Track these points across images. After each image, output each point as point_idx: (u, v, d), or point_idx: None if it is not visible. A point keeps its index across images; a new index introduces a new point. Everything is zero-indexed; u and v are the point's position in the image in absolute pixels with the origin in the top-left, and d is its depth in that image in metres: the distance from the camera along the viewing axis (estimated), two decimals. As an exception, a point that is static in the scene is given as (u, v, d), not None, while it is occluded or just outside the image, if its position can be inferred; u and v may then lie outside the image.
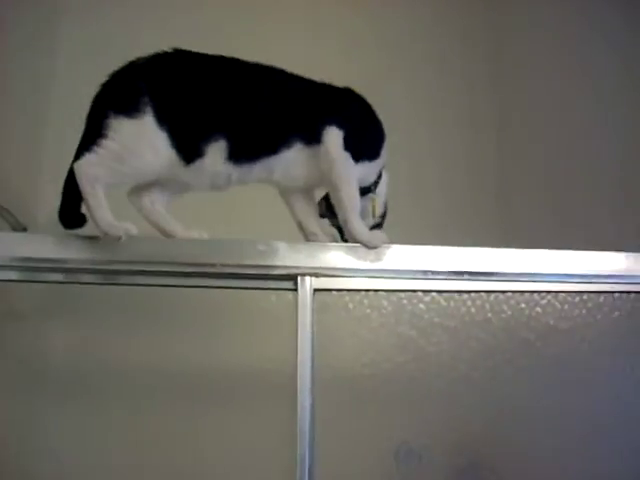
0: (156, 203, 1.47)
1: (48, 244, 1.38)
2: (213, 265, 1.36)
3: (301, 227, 1.53)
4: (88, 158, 1.36)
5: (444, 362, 1.48)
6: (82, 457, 1.74)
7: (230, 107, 1.42)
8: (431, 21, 2.65)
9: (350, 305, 1.45)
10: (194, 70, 1.44)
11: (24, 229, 1.87)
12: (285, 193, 1.55)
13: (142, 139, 1.37)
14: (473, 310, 1.47)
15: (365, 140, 1.51)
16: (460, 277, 1.44)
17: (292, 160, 1.46)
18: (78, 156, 1.37)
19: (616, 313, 1.52)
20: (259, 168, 1.45)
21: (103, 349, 1.75)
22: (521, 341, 1.51)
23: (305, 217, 1.53)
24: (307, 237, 1.52)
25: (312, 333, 1.36)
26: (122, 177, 1.39)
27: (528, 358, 1.51)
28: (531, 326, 1.50)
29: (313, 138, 1.45)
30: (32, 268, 1.42)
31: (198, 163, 1.40)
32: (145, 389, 1.76)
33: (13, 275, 1.46)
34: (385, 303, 1.45)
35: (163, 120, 1.37)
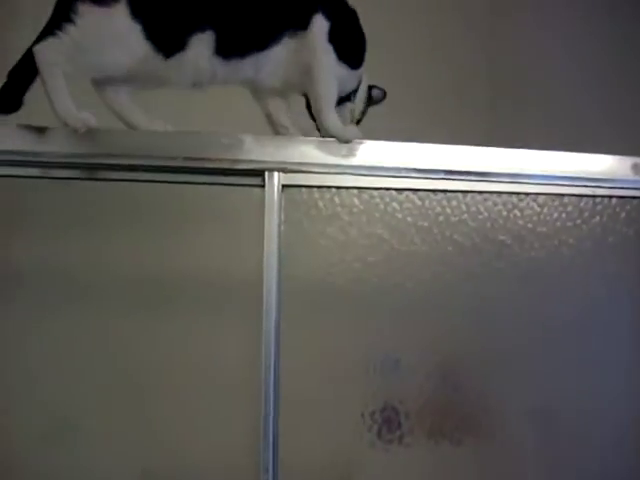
0: (120, 92, 1.38)
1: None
2: (174, 158, 1.29)
3: (271, 120, 1.45)
4: (50, 42, 1.26)
5: (416, 263, 1.44)
6: (50, 361, 1.70)
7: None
8: None
9: (320, 203, 1.39)
10: None
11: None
12: (259, 92, 1.46)
13: (111, 31, 1.28)
14: (448, 210, 1.43)
15: (349, 43, 1.41)
16: (436, 175, 1.38)
17: (280, 56, 1.37)
18: (40, 39, 1.28)
19: (597, 218, 1.47)
20: (247, 65, 1.36)
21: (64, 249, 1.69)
22: (497, 244, 1.47)
23: (275, 110, 1.45)
24: (277, 131, 1.44)
25: (279, 232, 1.31)
26: (84, 69, 1.30)
27: (504, 261, 1.48)
28: (508, 228, 1.45)
29: (301, 26, 1.36)
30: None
31: (179, 56, 1.30)
32: (109, 289, 1.70)
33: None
34: (357, 201, 1.40)
35: (139, 9, 1.26)
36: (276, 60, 1.37)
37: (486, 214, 1.44)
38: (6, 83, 1.31)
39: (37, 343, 1.64)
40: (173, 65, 1.31)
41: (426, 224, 1.42)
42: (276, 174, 1.32)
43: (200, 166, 1.30)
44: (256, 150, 1.30)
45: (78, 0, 1.26)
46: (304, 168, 1.33)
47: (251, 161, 1.30)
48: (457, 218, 1.43)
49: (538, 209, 1.46)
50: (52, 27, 1.27)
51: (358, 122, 1.50)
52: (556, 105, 2.31)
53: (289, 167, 1.32)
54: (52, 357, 1.64)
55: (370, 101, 1.51)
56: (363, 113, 1.51)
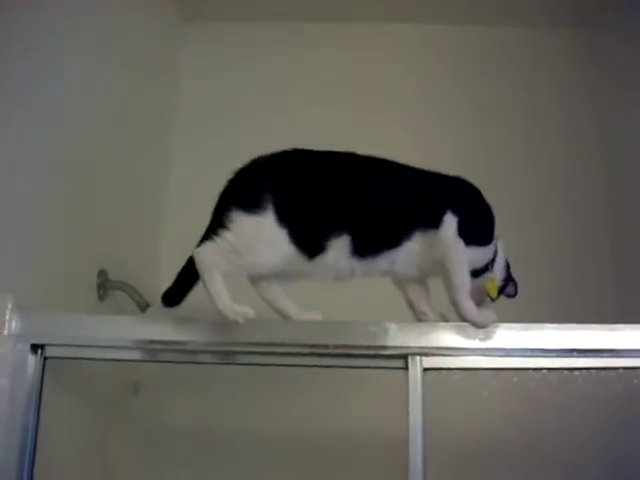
0: (273, 284, 1.55)
1: (168, 326, 1.48)
2: (327, 346, 1.42)
3: (412, 307, 1.58)
4: (207, 246, 1.46)
5: (556, 439, 1.48)
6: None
7: (351, 203, 1.49)
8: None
9: (460, 383, 1.47)
10: (314, 168, 1.51)
11: (148, 305, 1.99)
12: (399, 280, 1.60)
13: (260, 236, 1.45)
14: (584, 387, 1.47)
15: (477, 226, 1.55)
16: (569, 354, 1.44)
17: (412, 250, 1.51)
18: (200, 243, 1.48)
19: None
20: (382, 261, 1.51)
21: (222, 420, 1.83)
22: (636, 417, 1.49)
23: (416, 297, 1.58)
24: (417, 317, 1.56)
25: (423, 411, 1.39)
26: (238, 268, 1.47)
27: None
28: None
29: (431, 225, 1.50)
30: (153, 349, 1.54)
31: (321, 258, 1.47)
32: (260, 456, 1.83)
33: (135, 355, 1.59)
34: (495, 381, 1.47)
35: (284, 217, 1.44)
36: (408, 254, 1.51)
37: (622, 389, 1.48)
38: (174, 283, 1.51)
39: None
40: (316, 265, 1.48)
41: (564, 400, 1.47)
42: (418, 358, 1.42)
43: (350, 353, 1.43)
44: (400, 336, 1.42)
45: (232, 210, 1.46)
46: (444, 352, 1.43)
47: (395, 347, 1.42)
48: (593, 394, 1.47)
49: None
50: (210, 233, 1.48)
51: (501, 292, 1.60)
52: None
53: (430, 351, 1.42)
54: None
55: (509, 277, 1.63)
56: (504, 285, 1.62)
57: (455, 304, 1.48)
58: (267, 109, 2.62)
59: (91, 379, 1.77)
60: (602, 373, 1.48)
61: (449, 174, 1.58)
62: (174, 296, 1.53)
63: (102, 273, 1.99)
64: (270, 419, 1.80)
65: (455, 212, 1.51)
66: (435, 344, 1.43)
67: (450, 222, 1.50)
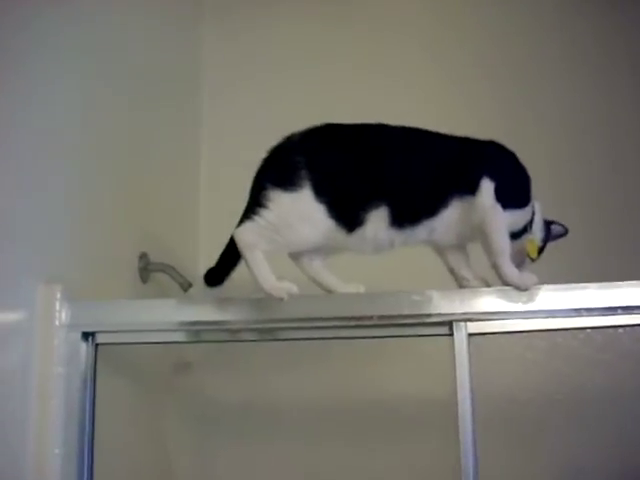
0: (314, 260, 1.57)
1: (210, 307, 1.53)
2: (371, 318, 1.44)
3: (453, 273, 1.59)
4: (247, 226, 1.48)
5: (602, 398, 1.49)
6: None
7: (387, 174, 1.50)
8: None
9: (505, 346, 1.49)
10: (347, 142, 1.53)
11: (190, 285, 2.02)
12: (438, 248, 1.61)
13: (299, 212, 1.47)
14: (629, 344, 1.48)
15: (513, 190, 1.55)
16: (614, 312, 1.45)
17: (450, 218, 1.52)
18: (240, 223, 1.50)
19: None
20: (420, 230, 1.52)
21: (271, 394, 1.87)
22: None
23: (457, 264, 1.59)
24: (459, 283, 1.57)
25: (470, 376, 1.41)
26: (279, 246, 1.50)
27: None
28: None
29: (468, 191, 1.51)
30: (197, 330, 1.59)
31: (360, 231, 1.49)
32: (310, 429, 1.87)
33: (181, 336, 1.62)
34: (540, 343, 1.49)
35: (321, 193, 1.46)
36: (447, 222, 1.53)
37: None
38: (217, 263, 1.55)
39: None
40: (355, 238, 1.50)
41: (609, 358, 1.48)
42: (462, 324, 1.43)
43: (395, 322, 1.45)
44: (443, 304, 1.44)
45: (268, 189, 1.48)
46: (488, 317, 1.45)
47: (439, 314, 1.43)
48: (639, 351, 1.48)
49: None
50: (249, 213, 1.50)
51: (540, 251, 1.61)
52: None
53: (474, 317, 1.44)
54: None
55: (549, 236, 1.63)
56: (543, 245, 1.62)
57: (496, 268, 1.48)
58: (289, 84, 2.60)
59: (141, 362, 1.81)
60: (647, 329, 1.48)
61: (482, 139, 1.58)
62: (217, 276, 1.57)
63: (144, 256, 2.01)
64: (318, 392, 1.84)
65: (491, 177, 1.51)
66: (478, 309, 1.44)
67: (487, 187, 1.50)
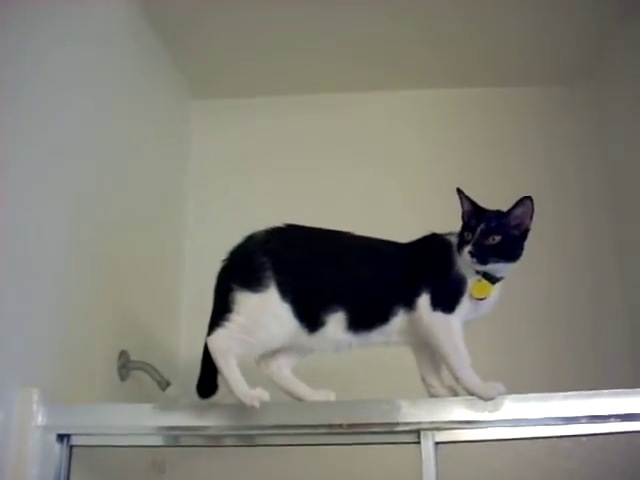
0: (283, 367, 1.61)
1: (187, 413, 1.56)
2: (340, 426, 1.47)
3: (423, 381, 1.63)
4: (218, 332, 1.53)
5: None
6: None
7: (343, 281, 1.56)
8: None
9: (472, 455, 1.51)
10: (309, 244, 1.60)
11: (168, 384, 2.04)
12: (414, 349, 1.65)
13: (267, 312, 1.53)
14: (594, 453, 1.50)
15: (450, 285, 1.56)
16: (578, 422, 1.48)
17: (401, 325, 1.57)
18: (210, 331, 1.54)
19: None
20: (375, 334, 1.57)
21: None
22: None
23: (426, 371, 1.63)
24: (428, 390, 1.61)
25: (437, 482, 1.43)
26: (251, 347, 1.54)
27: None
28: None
29: (410, 306, 1.56)
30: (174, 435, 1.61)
31: (321, 332, 1.54)
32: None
33: (157, 440, 1.65)
34: (506, 452, 1.51)
35: (286, 293, 1.52)
36: (399, 328, 1.57)
37: (631, 454, 1.51)
38: (201, 374, 1.58)
39: None
40: (317, 338, 1.55)
41: (574, 467, 1.50)
42: (430, 433, 1.46)
43: (364, 430, 1.48)
44: (411, 413, 1.47)
45: (236, 290, 1.53)
46: (455, 426, 1.48)
47: (407, 423, 1.47)
48: (601, 459, 1.50)
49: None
50: (217, 319, 1.54)
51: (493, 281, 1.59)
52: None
53: (441, 426, 1.47)
54: None
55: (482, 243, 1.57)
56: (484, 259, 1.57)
57: (457, 380, 1.52)
58: (272, 177, 2.70)
59: (116, 463, 1.81)
60: (612, 438, 1.51)
61: (419, 238, 1.63)
62: (207, 386, 1.58)
63: (123, 354, 2.05)
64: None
65: (426, 288, 1.55)
66: (445, 418, 1.48)
67: (423, 302, 1.55)
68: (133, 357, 2.07)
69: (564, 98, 2.74)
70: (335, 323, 1.54)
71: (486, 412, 1.47)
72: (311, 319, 1.54)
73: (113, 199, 2.08)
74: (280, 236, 1.60)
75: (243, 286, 1.53)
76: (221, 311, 1.54)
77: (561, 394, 1.48)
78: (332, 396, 1.56)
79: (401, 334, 1.58)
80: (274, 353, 1.61)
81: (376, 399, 1.49)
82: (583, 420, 1.48)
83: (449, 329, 1.54)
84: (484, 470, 1.51)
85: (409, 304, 1.56)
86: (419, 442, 1.46)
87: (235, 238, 2.19)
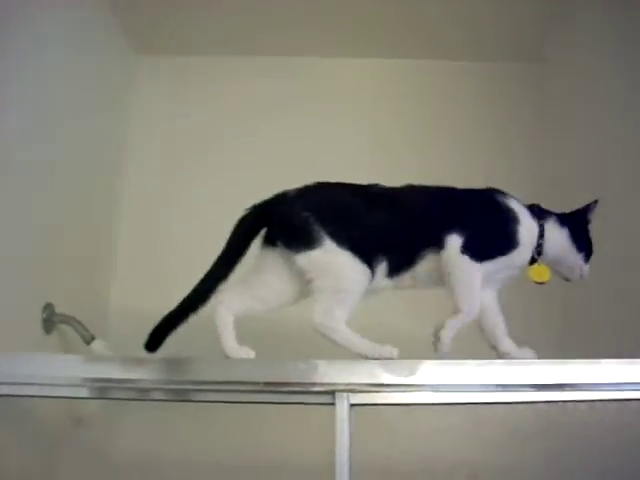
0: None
1: (117, 366, 1.53)
2: (257, 384, 1.47)
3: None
4: (316, 310, 1.53)
5: (481, 471, 1.54)
6: None
7: (385, 229, 1.57)
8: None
9: (387, 418, 1.52)
10: (345, 197, 1.60)
11: (93, 338, 2.03)
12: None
13: (338, 262, 1.53)
14: (505, 420, 1.53)
15: (491, 238, 1.61)
16: (492, 389, 1.50)
17: (429, 268, 1.59)
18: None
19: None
20: (406, 278, 1.60)
21: (162, 452, 1.87)
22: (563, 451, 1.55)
23: (491, 331, 1.66)
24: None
25: (349, 446, 1.43)
26: (347, 303, 1.54)
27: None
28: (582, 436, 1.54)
29: (439, 247, 1.58)
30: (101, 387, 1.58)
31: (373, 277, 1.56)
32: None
33: (84, 392, 1.61)
34: (421, 416, 1.53)
35: (341, 242, 1.52)
36: (428, 270, 1.60)
37: (544, 423, 1.54)
38: (156, 328, 1.58)
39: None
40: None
41: (486, 434, 1.53)
42: (345, 394, 1.47)
43: (280, 390, 1.48)
44: (327, 373, 1.47)
45: (295, 256, 1.53)
46: (370, 388, 1.48)
47: (322, 384, 1.47)
48: (514, 427, 1.53)
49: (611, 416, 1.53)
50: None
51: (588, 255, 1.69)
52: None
53: (357, 388, 1.47)
54: None
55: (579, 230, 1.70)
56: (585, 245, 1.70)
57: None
58: (218, 141, 2.67)
59: (38, 414, 1.80)
60: (523, 407, 1.53)
61: (461, 189, 1.66)
62: (157, 341, 1.59)
63: (48, 306, 2.02)
64: (206, 452, 1.85)
65: (460, 232, 1.58)
66: (361, 380, 1.48)
67: (453, 243, 1.57)
68: (59, 310, 2.05)
69: (512, 76, 2.77)
70: (380, 271, 1.57)
71: (402, 376, 1.48)
72: (368, 265, 1.54)
73: (49, 150, 2.04)
74: (315, 191, 1.59)
75: (299, 247, 1.53)
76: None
77: (475, 361, 1.50)
78: (252, 354, 1.56)
79: (427, 277, 1.61)
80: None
81: (293, 358, 1.48)
82: (497, 388, 1.51)
83: (471, 276, 1.57)
84: (398, 434, 1.52)
85: (439, 245, 1.58)
86: (334, 403, 1.47)
87: (174, 193, 2.21)
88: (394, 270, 1.58)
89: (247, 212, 1.60)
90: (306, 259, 1.52)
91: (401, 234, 1.59)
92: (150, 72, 2.80)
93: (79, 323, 2.03)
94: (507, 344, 1.65)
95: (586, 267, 1.69)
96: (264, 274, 1.61)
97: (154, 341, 1.58)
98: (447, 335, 1.54)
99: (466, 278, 1.57)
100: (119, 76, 2.72)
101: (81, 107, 2.32)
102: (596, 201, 1.70)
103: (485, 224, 1.62)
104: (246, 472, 1.86)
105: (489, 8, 2.54)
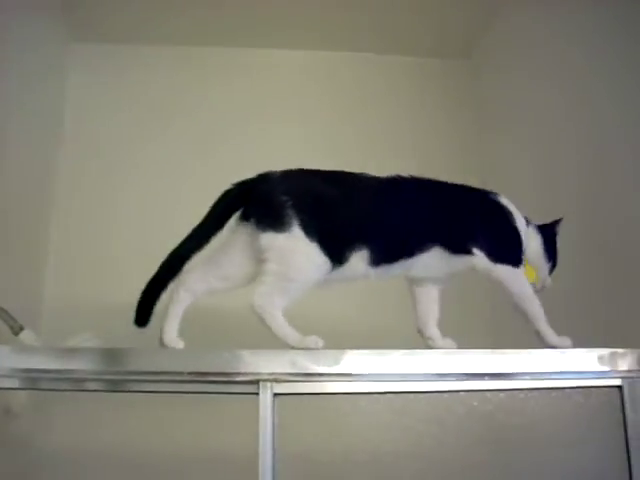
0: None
1: (49, 356, 1.51)
2: (181, 374, 1.47)
3: (420, 333, 1.71)
4: (259, 291, 1.53)
5: (401, 459, 1.56)
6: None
7: (367, 218, 1.58)
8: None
9: (310, 407, 1.54)
10: (328, 185, 1.59)
11: (21, 328, 1.99)
12: (420, 291, 1.71)
13: (298, 251, 1.53)
14: (427, 409, 1.56)
15: (512, 243, 1.66)
16: (414, 379, 1.53)
17: (430, 260, 1.61)
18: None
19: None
20: (397, 267, 1.61)
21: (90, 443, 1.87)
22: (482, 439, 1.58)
23: (425, 320, 1.72)
24: (426, 342, 1.70)
25: (272, 436, 1.46)
26: (291, 294, 1.55)
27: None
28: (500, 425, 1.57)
29: (458, 250, 1.61)
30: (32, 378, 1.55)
31: (344, 266, 1.56)
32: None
33: (15, 383, 1.59)
34: (344, 405, 1.54)
35: (310, 231, 1.52)
36: (427, 262, 1.62)
37: (463, 411, 1.57)
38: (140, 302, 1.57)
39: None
40: (337, 273, 1.57)
41: (408, 423, 1.55)
42: (269, 384, 1.48)
43: (204, 380, 1.48)
44: (251, 363, 1.48)
45: (260, 234, 1.53)
46: (294, 378, 1.50)
47: (246, 373, 1.48)
48: (436, 416, 1.56)
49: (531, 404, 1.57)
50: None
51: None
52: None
53: (280, 378, 1.49)
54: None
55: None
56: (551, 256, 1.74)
57: (537, 333, 1.60)
58: (153, 131, 2.66)
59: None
60: (447, 395, 1.57)
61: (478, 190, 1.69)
62: (145, 315, 1.58)
63: (-25, 296, 1.99)
64: (134, 442, 1.85)
65: (481, 247, 1.62)
66: (285, 370, 1.49)
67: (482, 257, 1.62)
68: (-11, 300, 2.02)
69: (444, 72, 2.81)
70: (358, 259, 1.57)
71: (326, 366, 1.50)
72: (336, 255, 1.55)
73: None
74: (297, 177, 1.59)
75: (267, 226, 1.52)
76: None
77: (400, 351, 1.53)
78: (181, 344, 1.56)
79: (424, 267, 1.62)
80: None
81: (218, 348, 1.49)
82: (420, 377, 1.54)
83: (520, 280, 1.62)
84: (322, 423, 1.54)
85: (458, 249, 1.60)
86: (258, 393, 1.48)
87: (108, 180, 2.19)
88: (381, 259, 1.58)
89: (230, 187, 1.60)
90: (269, 240, 1.52)
91: (390, 224, 1.60)
92: (85, 60, 2.76)
93: (6, 313, 1.99)
94: (433, 331, 1.70)
95: (549, 279, 1.73)
96: (232, 250, 1.61)
97: (141, 316, 1.58)
98: (549, 333, 1.59)
99: (519, 287, 1.62)
100: (54, 65, 2.68)
101: (13, 96, 2.27)
102: (561, 218, 1.76)
103: (502, 230, 1.67)
104: (172, 462, 1.86)
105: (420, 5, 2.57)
